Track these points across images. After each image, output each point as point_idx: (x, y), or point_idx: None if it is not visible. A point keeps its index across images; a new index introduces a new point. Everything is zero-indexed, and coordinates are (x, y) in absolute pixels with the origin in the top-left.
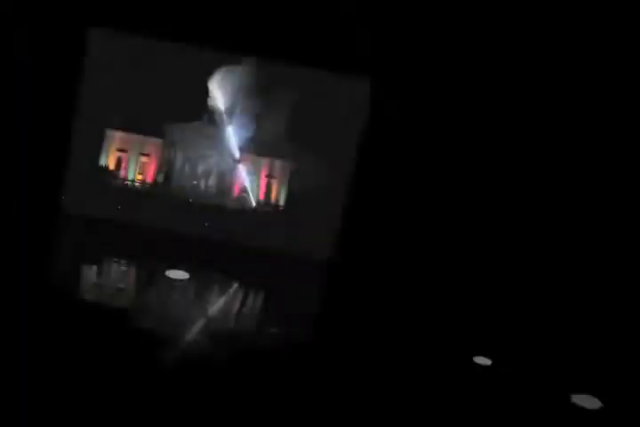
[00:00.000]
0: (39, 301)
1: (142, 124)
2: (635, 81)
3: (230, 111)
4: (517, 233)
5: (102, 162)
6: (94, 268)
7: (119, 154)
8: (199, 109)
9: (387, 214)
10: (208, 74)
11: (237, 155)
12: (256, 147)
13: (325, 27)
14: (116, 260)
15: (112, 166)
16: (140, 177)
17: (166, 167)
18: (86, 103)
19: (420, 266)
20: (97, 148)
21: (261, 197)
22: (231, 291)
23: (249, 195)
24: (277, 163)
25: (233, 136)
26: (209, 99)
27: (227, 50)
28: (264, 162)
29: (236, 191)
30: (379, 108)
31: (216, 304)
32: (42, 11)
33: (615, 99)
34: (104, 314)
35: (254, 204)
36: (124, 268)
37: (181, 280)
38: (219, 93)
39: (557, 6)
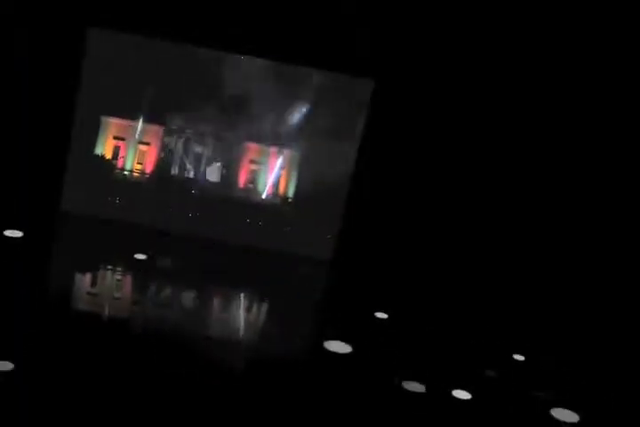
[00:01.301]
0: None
1: (142, 112)
2: (635, 81)
3: (238, 100)
4: (518, 234)
5: (98, 151)
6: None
7: (116, 142)
8: (203, 100)
9: (388, 214)
10: (209, 71)
11: (244, 143)
12: (264, 136)
13: (326, 26)
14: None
15: (109, 155)
16: (139, 167)
17: (167, 157)
18: (85, 102)
19: (422, 265)
20: (93, 137)
21: (269, 188)
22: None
23: (256, 185)
24: (287, 153)
25: (240, 124)
26: (216, 87)
27: (226, 50)
28: (272, 151)
29: (242, 182)
30: (382, 107)
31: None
32: (42, 11)
33: (615, 99)
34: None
35: (263, 195)
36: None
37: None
38: (227, 82)
39: (558, 8)
